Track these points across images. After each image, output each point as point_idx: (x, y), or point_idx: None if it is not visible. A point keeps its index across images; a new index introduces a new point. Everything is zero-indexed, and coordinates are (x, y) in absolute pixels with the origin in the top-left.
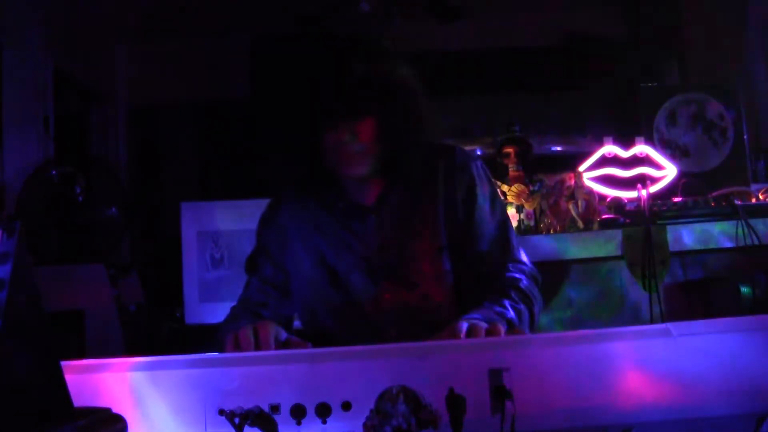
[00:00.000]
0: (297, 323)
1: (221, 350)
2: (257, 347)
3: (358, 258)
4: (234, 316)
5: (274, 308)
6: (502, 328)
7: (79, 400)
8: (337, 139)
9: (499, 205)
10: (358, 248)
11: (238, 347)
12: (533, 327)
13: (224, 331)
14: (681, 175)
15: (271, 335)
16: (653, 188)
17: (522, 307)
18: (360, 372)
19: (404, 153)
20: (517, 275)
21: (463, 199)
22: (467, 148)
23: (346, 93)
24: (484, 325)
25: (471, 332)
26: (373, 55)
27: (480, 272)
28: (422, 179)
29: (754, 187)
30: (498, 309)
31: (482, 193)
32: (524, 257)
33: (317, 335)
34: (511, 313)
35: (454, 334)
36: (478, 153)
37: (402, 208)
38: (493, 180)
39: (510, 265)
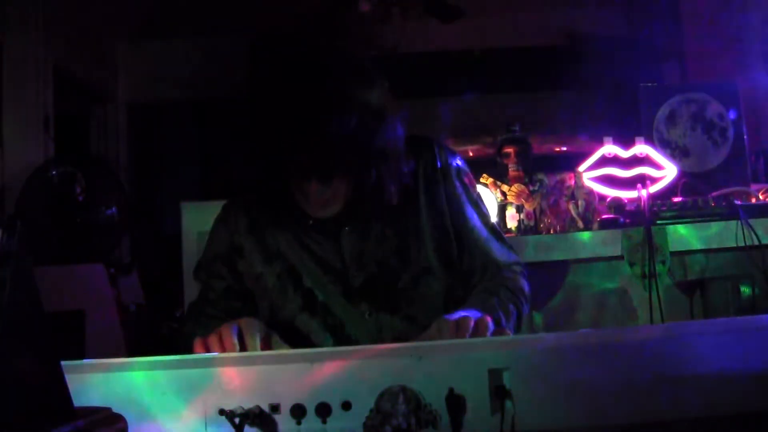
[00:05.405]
0: None
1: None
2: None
3: (334, 277)
4: (205, 318)
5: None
6: (490, 324)
7: (79, 400)
8: (307, 187)
9: (485, 209)
10: (333, 267)
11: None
12: (519, 328)
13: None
14: (681, 175)
15: (257, 335)
16: (653, 188)
17: (511, 306)
18: (360, 372)
19: (379, 189)
20: (509, 275)
21: (450, 207)
22: (467, 148)
23: (322, 158)
24: (475, 315)
25: (460, 326)
26: (353, 111)
27: (474, 283)
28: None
29: (754, 187)
30: (487, 306)
31: (469, 200)
32: (515, 256)
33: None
34: (499, 314)
35: (441, 331)
36: (479, 153)
37: (378, 219)
38: (474, 179)
39: (504, 270)
